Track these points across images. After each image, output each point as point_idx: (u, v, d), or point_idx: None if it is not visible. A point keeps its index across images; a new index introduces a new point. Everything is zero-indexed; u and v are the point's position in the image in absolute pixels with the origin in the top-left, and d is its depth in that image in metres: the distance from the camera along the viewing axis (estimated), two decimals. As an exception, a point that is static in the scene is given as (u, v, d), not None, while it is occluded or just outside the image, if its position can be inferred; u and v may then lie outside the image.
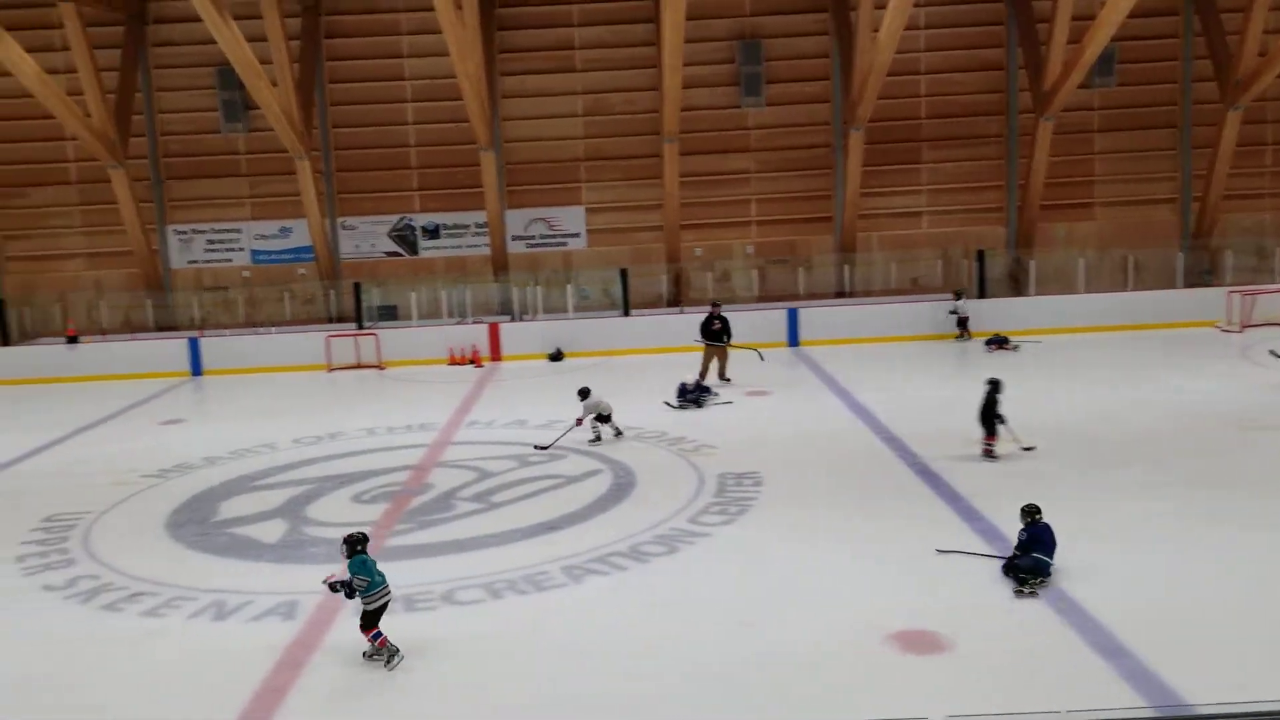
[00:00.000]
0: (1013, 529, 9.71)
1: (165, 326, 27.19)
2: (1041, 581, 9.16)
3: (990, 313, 23.65)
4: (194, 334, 25.50)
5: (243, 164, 27.78)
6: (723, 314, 19.73)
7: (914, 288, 27.03)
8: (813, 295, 26.80)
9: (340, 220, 27.97)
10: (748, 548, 10.77)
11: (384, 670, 8.33)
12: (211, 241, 28.08)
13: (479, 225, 27.70)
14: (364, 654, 8.50)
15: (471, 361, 23.80)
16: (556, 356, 23.81)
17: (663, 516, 11.84)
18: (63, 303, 27.43)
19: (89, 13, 24.61)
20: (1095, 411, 15.97)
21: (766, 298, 26.93)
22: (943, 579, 9.56)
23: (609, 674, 8.10)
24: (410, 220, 28.08)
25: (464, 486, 13.54)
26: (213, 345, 24.45)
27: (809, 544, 10.71)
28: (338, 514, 12.61)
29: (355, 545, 8.51)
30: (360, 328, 24.74)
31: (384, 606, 8.53)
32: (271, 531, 12.08)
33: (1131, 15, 22.33)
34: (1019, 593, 9.09)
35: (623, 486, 13.21)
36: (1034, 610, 8.82)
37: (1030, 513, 9.42)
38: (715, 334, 19.48)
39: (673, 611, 9.26)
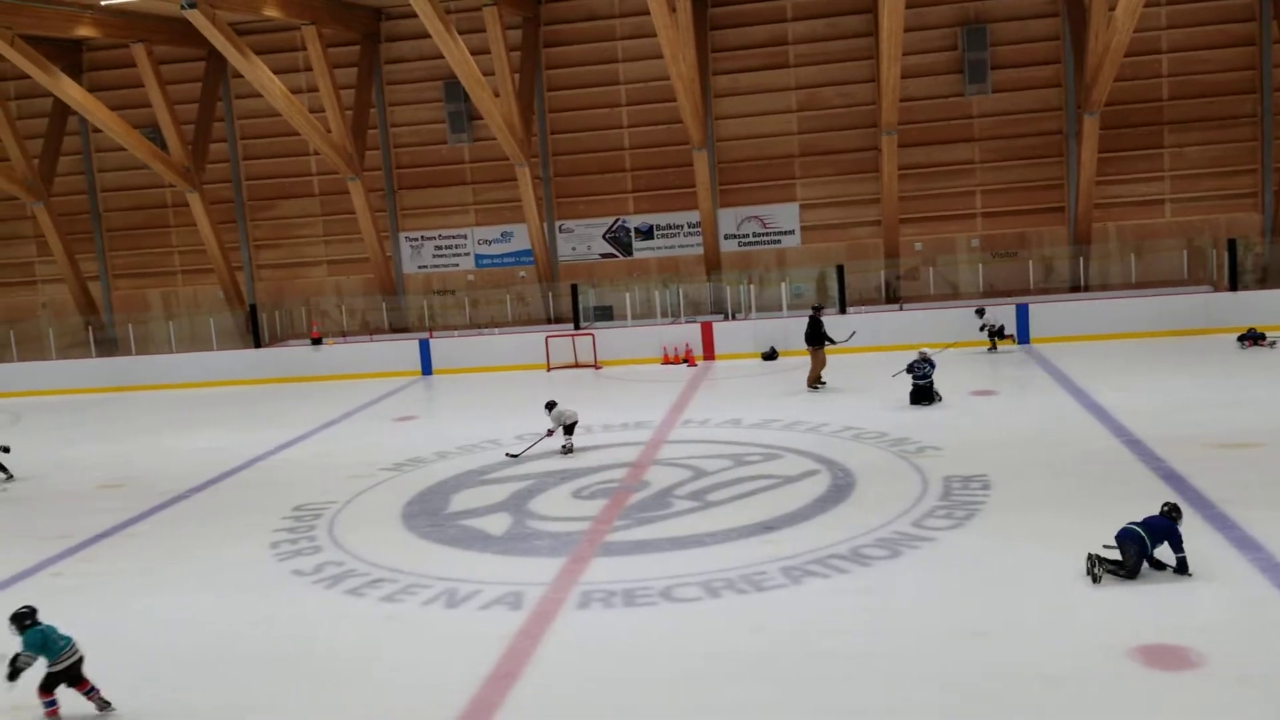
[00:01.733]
0: (1272, 540, 8.92)
1: (398, 328, 28.77)
2: (1124, 571, 9.13)
3: (1244, 306, 21.82)
4: (424, 335, 26.84)
5: (467, 172, 29.04)
6: (816, 316, 19.38)
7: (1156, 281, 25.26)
8: (1044, 290, 25.46)
9: (558, 224, 28.76)
10: (976, 554, 10.29)
11: (605, 663, 8.39)
12: (439, 247, 29.49)
13: (691, 225, 27.85)
14: None
15: (685, 361, 23.91)
16: (770, 355, 23.58)
17: (884, 519, 11.47)
18: (307, 307, 29.47)
19: (328, 34, 26.30)
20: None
21: (993, 293, 25.80)
22: (1188, 589, 8.87)
23: (835, 679, 7.86)
24: (624, 222, 28.54)
25: (680, 484, 13.57)
26: (441, 346, 25.63)
27: (1042, 551, 10.08)
28: (559, 509, 12.90)
29: (23, 621, 7.98)
30: (577, 328, 25.32)
31: (71, 667, 7.95)
32: (497, 524, 12.48)
33: None
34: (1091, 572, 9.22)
35: (842, 488, 12.90)
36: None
37: (1163, 505, 9.40)
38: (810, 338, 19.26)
39: (899, 618, 8.93)
